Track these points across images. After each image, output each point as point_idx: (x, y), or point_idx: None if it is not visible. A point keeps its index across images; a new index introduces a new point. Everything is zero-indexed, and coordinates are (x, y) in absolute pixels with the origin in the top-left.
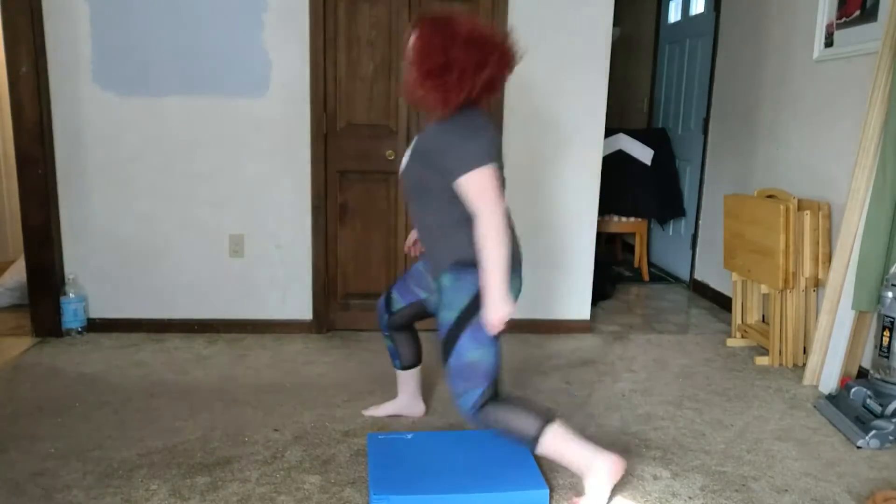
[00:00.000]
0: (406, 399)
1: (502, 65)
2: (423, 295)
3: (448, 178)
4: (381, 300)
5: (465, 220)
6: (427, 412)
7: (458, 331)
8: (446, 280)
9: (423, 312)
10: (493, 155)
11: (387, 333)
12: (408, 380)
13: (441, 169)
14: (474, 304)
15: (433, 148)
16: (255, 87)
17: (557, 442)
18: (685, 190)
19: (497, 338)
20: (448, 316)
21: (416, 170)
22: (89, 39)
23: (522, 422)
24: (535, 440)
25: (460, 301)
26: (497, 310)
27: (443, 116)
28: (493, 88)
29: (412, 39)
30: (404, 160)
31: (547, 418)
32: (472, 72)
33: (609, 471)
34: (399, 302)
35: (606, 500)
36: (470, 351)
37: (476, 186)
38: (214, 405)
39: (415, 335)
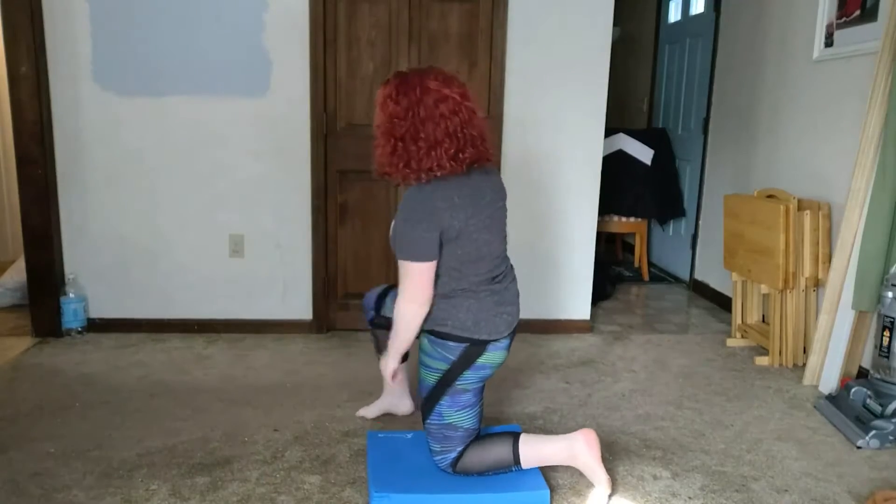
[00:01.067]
0: (391, 396)
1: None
2: None
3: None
4: (372, 296)
5: (438, 293)
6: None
7: (439, 394)
8: (425, 342)
9: None
10: (435, 249)
11: (370, 327)
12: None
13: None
14: (452, 372)
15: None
16: (255, 87)
17: (533, 450)
18: (685, 190)
19: (479, 399)
20: (428, 377)
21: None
22: (89, 39)
23: (496, 452)
24: (516, 461)
25: (438, 367)
26: (385, 365)
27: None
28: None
29: (384, 98)
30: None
31: (513, 435)
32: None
33: (586, 447)
34: (391, 309)
35: (604, 474)
36: (450, 414)
37: (405, 272)
38: (214, 405)
39: None
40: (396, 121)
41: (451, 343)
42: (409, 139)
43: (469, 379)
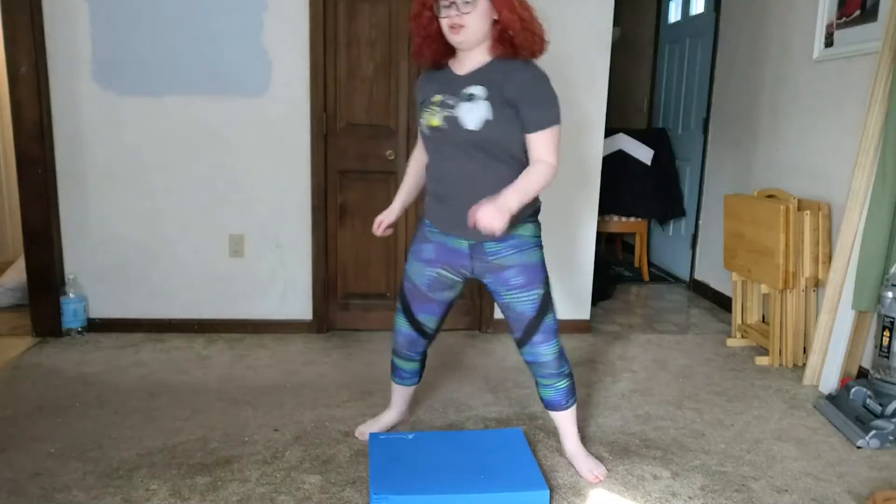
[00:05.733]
0: (403, 409)
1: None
2: (450, 295)
3: (532, 127)
4: (406, 331)
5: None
6: (424, 413)
7: (548, 284)
8: (529, 230)
9: (448, 312)
10: None
11: (419, 358)
12: (410, 392)
13: (526, 116)
14: (543, 253)
15: (524, 94)
16: (255, 87)
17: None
18: (685, 190)
19: None
20: (533, 259)
21: (506, 117)
22: (89, 39)
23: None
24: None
25: (541, 255)
26: (503, 217)
27: (506, 56)
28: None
29: None
30: (478, 110)
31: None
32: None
33: (586, 473)
34: (432, 320)
35: (589, 461)
36: (553, 299)
37: (551, 136)
38: (214, 405)
39: None
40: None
41: (538, 221)
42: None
43: None
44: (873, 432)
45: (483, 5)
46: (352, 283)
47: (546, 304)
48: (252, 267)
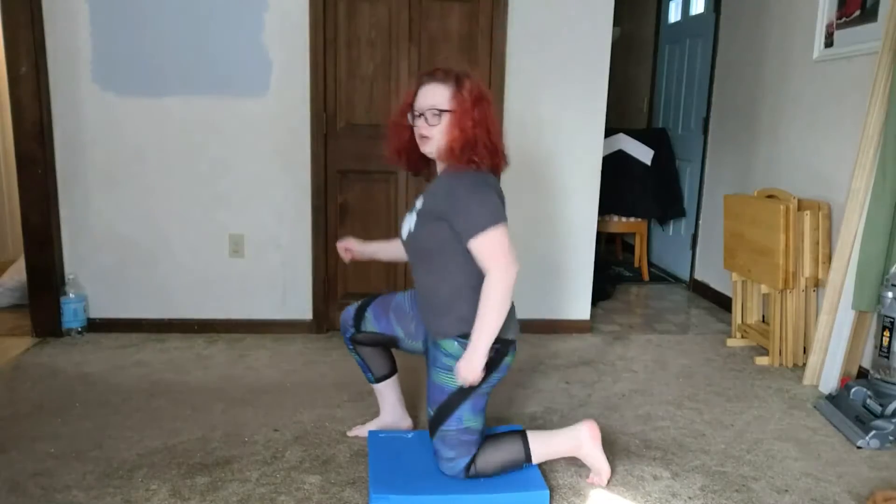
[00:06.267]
0: (390, 415)
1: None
2: (399, 333)
3: (465, 237)
4: (351, 312)
5: (478, 287)
6: (424, 413)
7: (462, 398)
8: (451, 348)
9: (391, 345)
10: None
11: (351, 347)
12: (386, 392)
13: (457, 228)
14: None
15: (449, 207)
16: (255, 87)
17: (542, 445)
18: (685, 190)
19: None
20: (450, 382)
21: (430, 230)
22: (89, 39)
23: (508, 452)
24: (528, 458)
25: (448, 376)
26: (477, 366)
27: (456, 169)
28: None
29: (473, 85)
30: (410, 221)
31: (520, 433)
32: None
33: (590, 438)
34: (371, 324)
35: (605, 462)
36: (469, 419)
37: (494, 240)
38: (214, 405)
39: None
40: (489, 114)
41: (465, 342)
42: (496, 133)
43: (492, 382)
44: (873, 432)
45: (447, 120)
46: (352, 283)
47: (434, 426)
48: (252, 267)
